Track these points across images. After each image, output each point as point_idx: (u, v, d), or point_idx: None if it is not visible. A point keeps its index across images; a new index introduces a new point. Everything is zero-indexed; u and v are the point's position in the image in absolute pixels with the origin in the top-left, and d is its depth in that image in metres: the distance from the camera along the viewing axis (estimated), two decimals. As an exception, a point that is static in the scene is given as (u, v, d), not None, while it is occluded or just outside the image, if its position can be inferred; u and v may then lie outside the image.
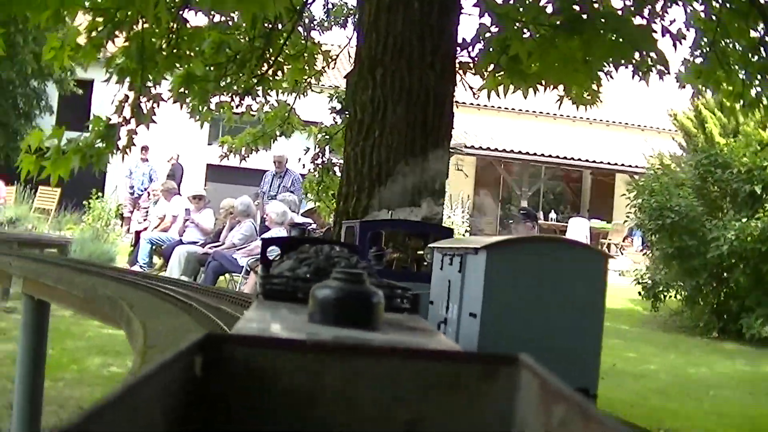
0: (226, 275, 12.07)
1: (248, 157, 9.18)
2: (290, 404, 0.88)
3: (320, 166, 10.09)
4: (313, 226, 12.21)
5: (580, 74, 5.83)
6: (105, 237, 13.74)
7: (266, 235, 11.27)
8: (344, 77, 7.81)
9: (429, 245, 2.73)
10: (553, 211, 29.45)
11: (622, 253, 26.26)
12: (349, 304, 1.26)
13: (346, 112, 7.96)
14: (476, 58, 5.72)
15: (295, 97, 8.89)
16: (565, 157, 27.40)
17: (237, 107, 7.85)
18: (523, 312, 1.65)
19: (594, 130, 30.34)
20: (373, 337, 1.21)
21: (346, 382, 0.88)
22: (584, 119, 29.43)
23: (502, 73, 5.83)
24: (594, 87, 6.48)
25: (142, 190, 18.62)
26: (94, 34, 5.85)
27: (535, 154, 27.37)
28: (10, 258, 6.81)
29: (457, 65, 5.50)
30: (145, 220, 16.06)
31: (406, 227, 3.88)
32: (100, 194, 20.76)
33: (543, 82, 6.11)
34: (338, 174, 10.01)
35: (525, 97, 6.21)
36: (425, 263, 2.98)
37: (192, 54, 6.50)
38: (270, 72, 7.63)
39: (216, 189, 21.70)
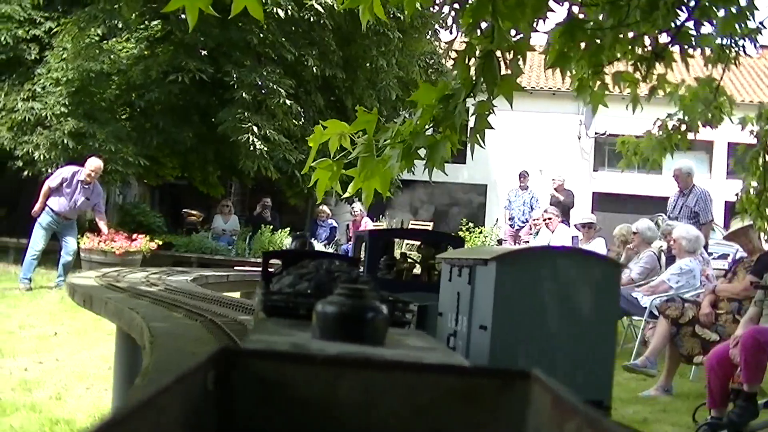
0: (624, 318, 9.66)
1: (660, 161, 6.47)
2: (305, 418, 0.89)
3: (761, 169, 7.09)
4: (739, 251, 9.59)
5: None
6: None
7: (675, 267, 9.27)
8: None
9: (437, 255, 2.76)
10: None
11: None
12: (354, 320, 1.28)
13: None
14: None
15: (723, 68, 6.08)
16: None
17: (644, 80, 5.18)
18: (534, 324, 1.63)
19: None
20: (379, 352, 1.23)
21: (360, 395, 0.90)
22: None
23: None
24: None
25: (523, 222, 16.66)
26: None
27: None
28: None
29: None
30: (524, 255, 14.00)
31: (417, 236, 4.49)
32: (471, 224, 19.04)
33: None
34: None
35: None
36: (436, 273, 2.98)
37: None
38: (690, 23, 4.90)
39: (605, 219, 19.12)
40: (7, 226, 16.35)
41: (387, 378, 0.89)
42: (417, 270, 3.47)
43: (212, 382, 0.87)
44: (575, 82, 4.83)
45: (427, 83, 3.45)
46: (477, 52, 3.40)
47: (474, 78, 3.36)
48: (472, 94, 3.37)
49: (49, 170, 13.58)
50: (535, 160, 22.91)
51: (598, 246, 11.47)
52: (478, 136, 3.38)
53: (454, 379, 0.90)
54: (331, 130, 3.51)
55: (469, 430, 0.89)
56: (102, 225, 12.16)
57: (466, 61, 3.39)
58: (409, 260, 3.31)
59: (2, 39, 15.47)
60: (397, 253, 3.55)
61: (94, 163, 11.94)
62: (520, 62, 3.53)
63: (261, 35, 16.33)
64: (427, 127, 3.38)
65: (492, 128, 3.41)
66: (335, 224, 20.09)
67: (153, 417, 0.68)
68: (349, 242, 19.24)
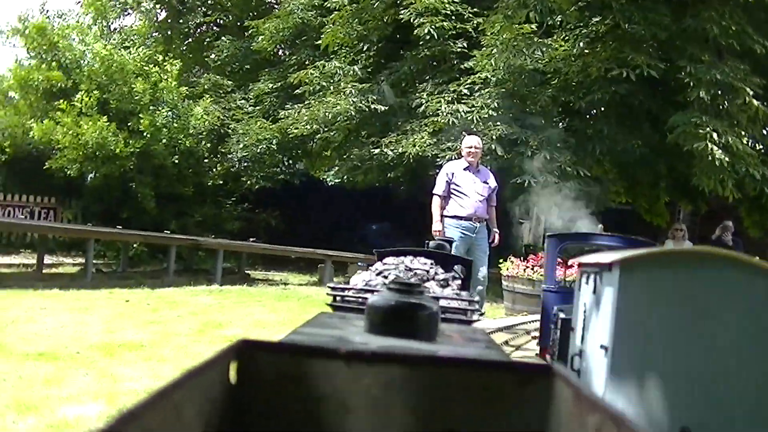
0: None
1: None
2: (324, 411, 0.89)
3: None
4: None
5: None
6: None
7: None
8: None
9: (580, 259, 2.66)
10: None
11: None
12: (399, 315, 1.25)
13: None
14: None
15: None
16: None
17: None
18: (667, 347, 1.36)
19: None
20: (424, 347, 1.21)
21: (381, 390, 0.89)
22: None
23: None
24: None
25: None
26: None
27: None
28: None
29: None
30: None
31: (600, 240, 4.21)
32: None
33: None
34: None
35: None
36: None
37: None
38: None
39: None
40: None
41: (408, 373, 0.88)
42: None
43: (234, 374, 0.87)
44: None
45: None
46: None
47: None
48: None
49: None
50: None
51: None
52: None
53: (474, 373, 0.89)
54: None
55: (491, 424, 0.87)
56: (494, 233, 9.65)
57: None
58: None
59: (426, 32, 14.31)
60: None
61: (469, 141, 9.80)
62: None
63: (723, 24, 13.49)
64: None
65: None
66: (813, 257, 16.42)
67: (169, 409, 0.68)
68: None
